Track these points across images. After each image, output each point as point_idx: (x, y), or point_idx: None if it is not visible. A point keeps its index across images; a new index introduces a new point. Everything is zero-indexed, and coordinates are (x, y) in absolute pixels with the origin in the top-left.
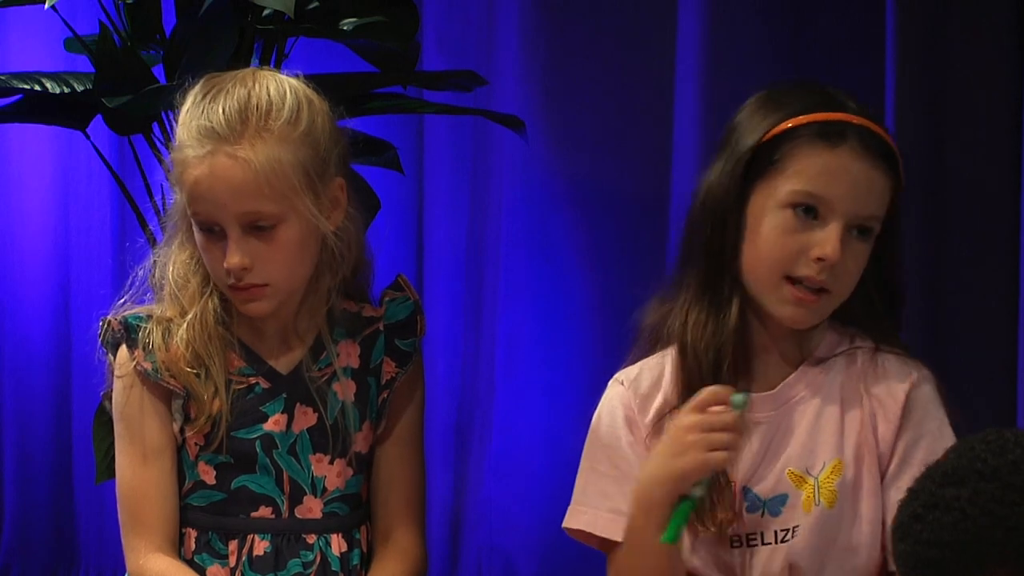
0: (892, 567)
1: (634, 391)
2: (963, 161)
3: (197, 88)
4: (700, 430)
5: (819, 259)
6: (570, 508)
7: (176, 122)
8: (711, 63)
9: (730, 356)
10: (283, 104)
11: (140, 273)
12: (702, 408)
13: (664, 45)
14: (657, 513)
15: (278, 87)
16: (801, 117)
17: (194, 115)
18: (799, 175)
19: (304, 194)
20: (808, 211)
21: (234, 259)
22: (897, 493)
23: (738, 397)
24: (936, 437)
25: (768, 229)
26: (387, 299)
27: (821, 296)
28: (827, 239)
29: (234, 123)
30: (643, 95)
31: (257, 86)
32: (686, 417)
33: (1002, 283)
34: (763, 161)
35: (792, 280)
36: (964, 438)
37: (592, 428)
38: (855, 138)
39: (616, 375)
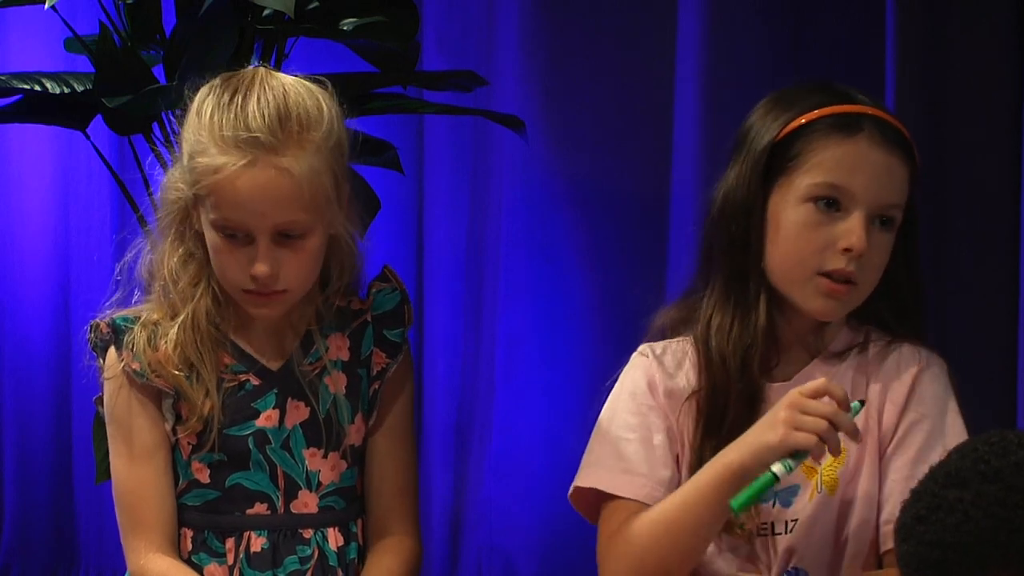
0: (884, 547)
1: (659, 363)
2: (963, 161)
3: (216, 89)
4: (795, 409)
5: (846, 250)
6: (581, 469)
7: (183, 121)
8: (711, 63)
9: (758, 356)
10: (320, 115)
11: (124, 268)
12: (811, 394)
13: (664, 45)
14: (728, 474)
15: (311, 95)
16: (815, 112)
17: (225, 119)
18: (818, 167)
19: (333, 203)
20: (830, 204)
21: (264, 268)
22: (893, 473)
23: (855, 404)
24: (939, 423)
25: (791, 225)
26: (374, 290)
27: (850, 287)
28: (852, 229)
29: (275, 131)
30: (643, 95)
31: (291, 92)
32: (790, 395)
33: (1002, 283)
34: (780, 159)
35: (822, 274)
36: (967, 439)
37: (613, 396)
38: (871, 127)
39: (641, 348)
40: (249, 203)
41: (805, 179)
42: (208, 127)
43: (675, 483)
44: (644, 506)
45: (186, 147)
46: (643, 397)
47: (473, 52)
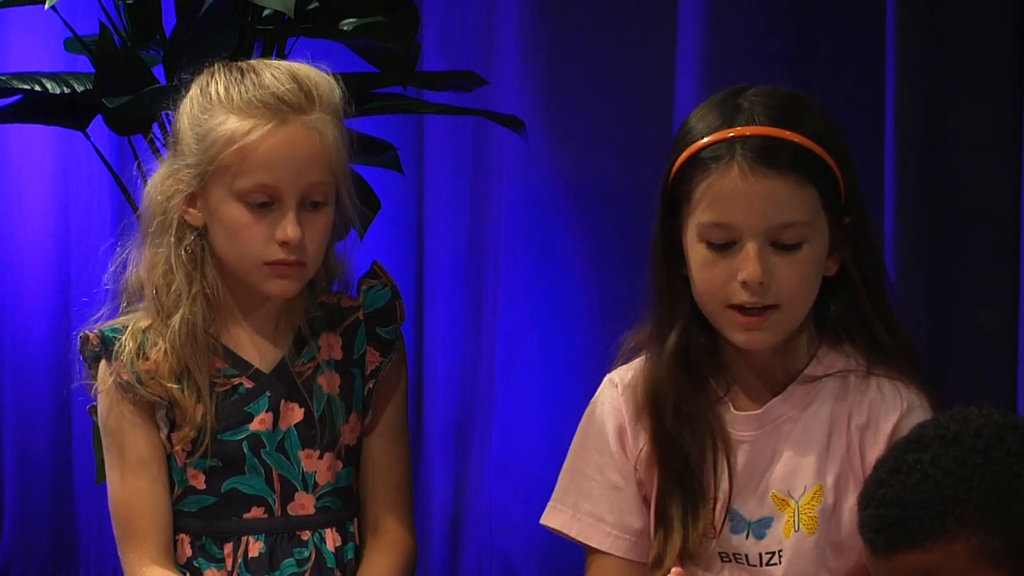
0: None
1: (627, 395)
2: (963, 160)
3: (220, 70)
4: None
5: (744, 283)
6: (549, 504)
7: (176, 118)
8: (711, 63)
9: (673, 394)
10: (332, 88)
11: (111, 276)
12: None
13: (664, 45)
14: None
15: (319, 72)
16: (691, 148)
17: (243, 90)
18: (700, 206)
19: (348, 173)
20: (721, 242)
21: (295, 231)
22: None
23: None
24: None
25: (695, 264)
26: (364, 288)
27: (769, 313)
28: (744, 262)
29: (298, 93)
30: (643, 95)
31: (299, 66)
32: None
33: (1002, 285)
34: (677, 197)
35: (732, 307)
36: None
37: (582, 426)
38: (743, 154)
39: (610, 375)
40: (283, 162)
41: (695, 218)
42: (224, 101)
43: (645, 533)
44: (610, 556)
45: (190, 133)
46: (611, 439)
47: (473, 52)
